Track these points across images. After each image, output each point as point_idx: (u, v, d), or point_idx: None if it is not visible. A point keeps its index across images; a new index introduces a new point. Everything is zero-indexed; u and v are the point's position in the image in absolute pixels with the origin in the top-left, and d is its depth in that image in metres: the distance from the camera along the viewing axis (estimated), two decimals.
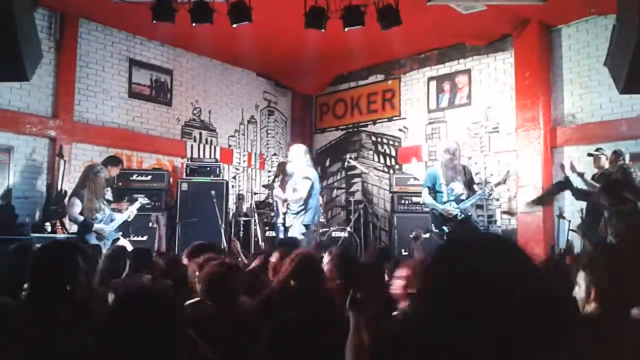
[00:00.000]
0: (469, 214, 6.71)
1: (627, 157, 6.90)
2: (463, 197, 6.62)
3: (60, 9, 8.40)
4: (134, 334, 1.83)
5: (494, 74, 9.40)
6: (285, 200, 6.86)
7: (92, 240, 6.36)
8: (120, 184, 8.37)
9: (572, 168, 6.89)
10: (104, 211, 6.61)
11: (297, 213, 6.90)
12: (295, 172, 7.03)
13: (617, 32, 5.17)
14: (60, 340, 2.14)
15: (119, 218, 6.74)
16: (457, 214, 6.56)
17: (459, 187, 6.64)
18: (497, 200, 8.89)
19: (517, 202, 8.62)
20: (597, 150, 7.06)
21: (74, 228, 7.28)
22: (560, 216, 7.79)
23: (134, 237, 7.77)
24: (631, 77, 4.95)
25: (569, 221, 7.56)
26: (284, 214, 6.80)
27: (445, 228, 6.66)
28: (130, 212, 6.89)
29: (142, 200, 7.16)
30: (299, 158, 7.10)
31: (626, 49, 4.90)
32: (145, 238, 8.27)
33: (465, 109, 9.71)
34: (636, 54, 4.71)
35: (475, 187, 6.88)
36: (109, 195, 6.99)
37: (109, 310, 2.11)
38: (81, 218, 6.39)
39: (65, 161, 8.00)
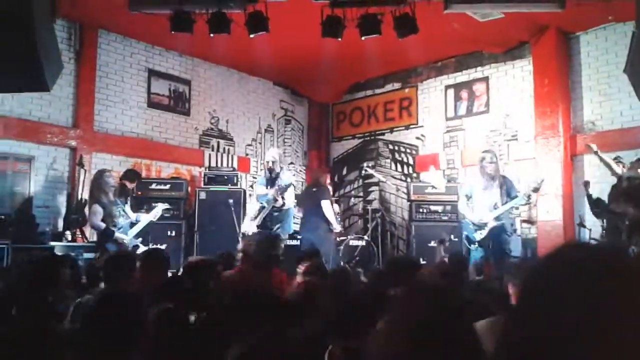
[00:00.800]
0: (502, 222, 6.82)
1: None
2: (498, 205, 6.76)
3: (79, 20, 8.52)
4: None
5: (512, 82, 9.34)
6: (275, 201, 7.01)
7: (113, 248, 6.43)
8: (139, 193, 8.43)
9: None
10: (125, 216, 6.71)
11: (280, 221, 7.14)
12: (281, 174, 7.22)
13: (637, 39, 5.12)
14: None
15: (143, 220, 6.84)
16: (486, 222, 6.77)
17: (495, 196, 6.78)
18: (517, 208, 8.77)
19: (537, 210, 8.52)
20: (615, 158, 7.01)
21: (94, 237, 7.37)
22: (581, 225, 7.68)
23: (152, 245, 7.80)
24: None
25: (590, 230, 7.46)
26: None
27: (475, 236, 6.88)
28: (153, 215, 6.98)
29: (162, 206, 7.23)
30: (280, 159, 7.33)
31: None
32: (164, 247, 8.31)
33: (483, 117, 9.65)
34: None
35: (514, 195, 6.91)
36: (127, 207, 7.05)
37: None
38: (103, 225, 6.49)
39: (85, 170, 8.08)
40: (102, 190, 6.59)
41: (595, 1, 6.69)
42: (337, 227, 8.13)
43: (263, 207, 7.07)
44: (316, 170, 10.00)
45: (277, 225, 7.09)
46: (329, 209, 7.98)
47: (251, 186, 10.59)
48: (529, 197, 6.88)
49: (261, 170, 10.88)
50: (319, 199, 8.01)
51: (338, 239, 8.76)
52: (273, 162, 7.18)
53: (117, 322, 2.11)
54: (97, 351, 2.07)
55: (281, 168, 7.34)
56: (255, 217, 7.08)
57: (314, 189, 8.29)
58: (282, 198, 7.06)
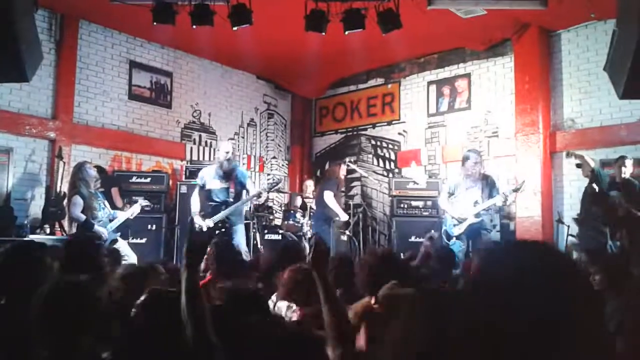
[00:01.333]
0: (481, 218, 6.97)
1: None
2: (478, 202, 6.91)
3: (60, 10, 8.41)
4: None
5: (493, 78, 9.41)
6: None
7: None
8: (119, 186, 8.37)
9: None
10: (104, 210, 6.64)
11: (240, 215, 7.04)
12: (235, 168, 7.07)
13: (617, 37, 5.18)
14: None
15: (120, 217, 6.77)
16: (466, 218, 6.91)
17: (476, 194, 6.93)
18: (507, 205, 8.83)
19: (516, 207, 8.61)
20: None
21: (72, 230, 7.29)
22: (560, 221, 7.79)
23: (132, 239, 7.75)
24: (631, 82, 4.96)
25: (568, 226, 7.55)
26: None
27: (453, 230, 7.02)
28: (130, 212, 6.90)
29: (142, 202, 7.15)
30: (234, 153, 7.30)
31: (626, 54, 4.90)
32: (144, 240, 8.27)
33: (465, 113, 9.72)
34: (636, 59, 4.71)
35: (495, 195, 7.01)
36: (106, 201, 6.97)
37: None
38: (83, 217, 6.39)
39: (64, 163, 7.98)
40: (84, 181, 6.50)
41: None
42: (342, 217, 8.15)
43: (223, 202, 6.82)
44: (332, 163, 10.05)
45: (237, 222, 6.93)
46: (330, 199, 8.04)
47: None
48: (505, 198, 6.97)
49: (243, 164, 10.88)
50: (322, 189, 8.26)
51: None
52: (229, 156, 6.95)
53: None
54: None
55: (236, 162, 7.31)
56: (209, 213, 6.82)
57: (321, 181, 8.43)
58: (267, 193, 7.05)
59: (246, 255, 6.51)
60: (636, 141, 7.77)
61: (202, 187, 7.02)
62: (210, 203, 6.90)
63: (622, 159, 6.94)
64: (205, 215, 6.80)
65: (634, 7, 4.90)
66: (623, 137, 7.88)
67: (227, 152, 6.91)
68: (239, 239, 6.76)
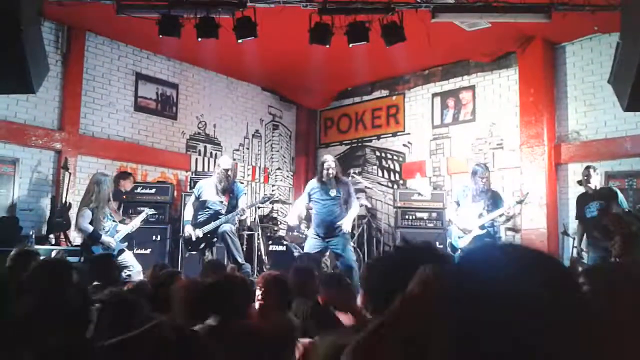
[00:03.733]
0: (486, 230, 7.02)
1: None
2: (483, 214, 7.00)
3: (67, 22, 8.49)
4: None
5: (498, 91, 9.42)
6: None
7: (99, 251, 6.40)
8: (124, 196, 8.41)
9: None
10: (111, 221, 6.69)
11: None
12: (233, 184, 7.27)
13: (621, 50, 5.20)
14: None
15: (124, 229, 6.80)
16: (471, 230, 6.98)
17: (481, 207, 7.02)
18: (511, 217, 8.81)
19: (522, 218, 8.59)
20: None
21: (77, 241, 7.32)
22: (565, 233, 7.75)
23: (137, 250, 7.78)
24: (635, 94, 4.97)
25: (573, 238, 7.51)
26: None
27: (459, 243, 7.10)
28: (135, 223, 6.95)
29: (148, 211, 7.20)
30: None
31: (630, 67, 4.91)
32: (149, 251, 8.29)
33: (470, 125, 9.72)
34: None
35: (501, 207, 7.09)
36: (111, 207, 7.02)
37: None
38: (91, 228, 6.45)
39: (70, 174, 8.03)
40: (97, 197, 6.54)
41: (581, 12, 6.76)
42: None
43: (215, 213, 7.00)
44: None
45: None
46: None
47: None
48: (509, 210, 7.07)
49: (248, 176, 10.91)
50: None
51: None
52: (230, 171, 7.18)
53: None
54: None
55: (235, 179, 7.50)
56: (201, 223, 7.00)
57: None
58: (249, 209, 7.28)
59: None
60: None
61: (198, 197, 7.20)
62: (202, 214, 7.08)
63: (587, 169, 6.96)
64: (196, 225, 7.01)
65: (637, 20, 4.92)
66: (628, 149, 7.86)
67: (227, 170, 7.11)
68: (233, 250, 6.91)
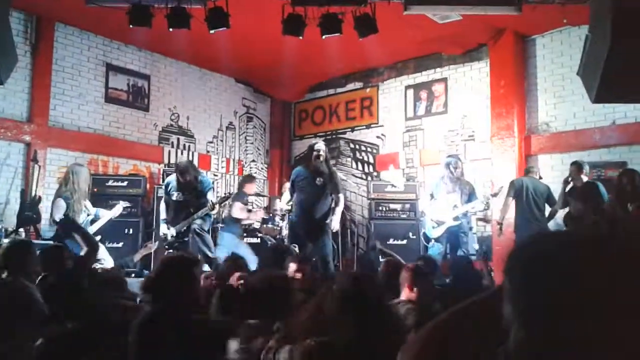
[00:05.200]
0: (460, 222, 7.22)
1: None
2: (457, 206, 7.16)
3: (36, 12, 8.33)
4: None
5: (469, 83, 9.52)
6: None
7: (72, 244, 6.30)
8: (95, 189, 8.30)
9: None
10: (86, 212, 6.62)
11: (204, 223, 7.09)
12: (197, 179, 7.15)
13: (590, 42, 5.28)
14: None
15: (99, 222, 6.75)
16: (444, 221, 7.16)
17: (456, 199, 7.15)
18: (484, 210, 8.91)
19: (492, 209, 8.70)
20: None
21: (48, 234, 7.21)
22: None
23: (109, 243, 7.70)
24: (603, 86, 5.05)
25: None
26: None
27: (432, 233, 7.27)
28: (112, 214, 6.90)
29: (123, 204, 7.15)
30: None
31: (598, 59, 5.00)
32: (120, 245, 8.21)
33: (442, 117, 9.80)
34: (608, 63, 4.81)
35: (474, 199, 7.28)
36: (88, 203, 6.94)
37: None
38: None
39: (40, 166, 7.90)
40: (74, 188, 6.47)
41: (550, 5, 6.85)
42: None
43: (185, 210, 6.96)
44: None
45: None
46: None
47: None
48: (487, 203, 7.19)
49: (222, 168, 10.86)
50: None
51: None
52: (187, 171, 7.04)
53: None
54: None
55: (199, 172, 7.40)
56: (173, 221, 6.97)
57: None
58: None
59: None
60: (609, 144, 7.91)
61: (167, 194, 7.16)
62: (173, 212, 7.04)
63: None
64: (168, 223, 6.99)
65: (606, 14, 5.01)
66: (596, 141, 8.01)
67: (186, 171, 6.97)
68: (202, 247, 6.87)
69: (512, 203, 7.42)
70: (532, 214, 7.31)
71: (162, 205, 7.11)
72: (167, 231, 6.90)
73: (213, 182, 10.45)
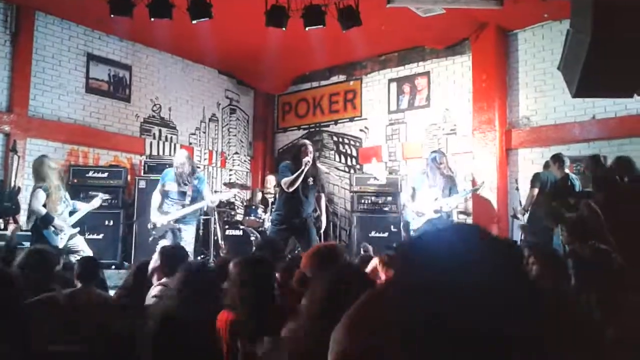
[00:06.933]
0: (440, 214, 7.25)
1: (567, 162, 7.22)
2: (438, 199, 7.21)
3: (16, 1, 8.22)
4: None
5: (452, 77, 9.56)
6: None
7: (50, 235, 6.27)
8: (75, 180, 8.24)
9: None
10: (66, 203, 6.57)
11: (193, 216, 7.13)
12: (194, 174, 7.15)
13: (571, 37, 5.33)
14: None
15: (80, 211, 6.70)
16: (424, 213, 7.21)
17: (437, 193, 7.21)
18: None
19: (472, 202, 8.78)
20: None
21: (28, 225, 7.13)
22: (514, 217, 7.97)
23: (89, 235, 7.64)
24: (583, 81, 5.10)
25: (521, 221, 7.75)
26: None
27: (413, 223, 7.39)
28: (91, 206, 6.83)
29: (102, 196, 7.08)
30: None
31: (579, 53, 5.04)
32: (101, 236, 8.15)
33: (424, 111, 9.84)
34: (588, 58, 4.85)
35: (454, 194, 7.38)
36: (67, 194, 6.87)
37: None
38: (44, 210, 6.31)
39: (19, 157, 7.78)
40: (50, 178, 6.42)
41: None
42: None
43: (179, 204, 6.96)
44: None
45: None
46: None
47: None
48: (465, 198, 7.32)
49: (205, 160, 10.82)
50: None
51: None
52: (186, 165, 7.05)
53: None
54: None
55: (196, 168, 7.35)
56: (165, 212, 6.96)
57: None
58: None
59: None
60: (589, 139, 7.99)
61: (163, 185, 7.09)
62: (167, 202, 6.97)
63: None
64: (161, 213, 6.92)
65: (587, 8, 5.05)
66: (576, 135, 8.10)
67: (182, 164, 6.98)
68: (188, 239, 6.89)
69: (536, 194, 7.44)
70: None
71: (157, 195, 7.04)
72: (157, 219, 6.83)
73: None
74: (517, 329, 0.87)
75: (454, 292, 0.88)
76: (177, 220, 6.87)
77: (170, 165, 7.35)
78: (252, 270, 2.85)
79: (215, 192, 9.22)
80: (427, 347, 0.89)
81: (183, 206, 6.91)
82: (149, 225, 6.90)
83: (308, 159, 6.39)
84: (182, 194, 6.96)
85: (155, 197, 7.03)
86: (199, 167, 8.36)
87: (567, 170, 7.11)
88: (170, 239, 6.79)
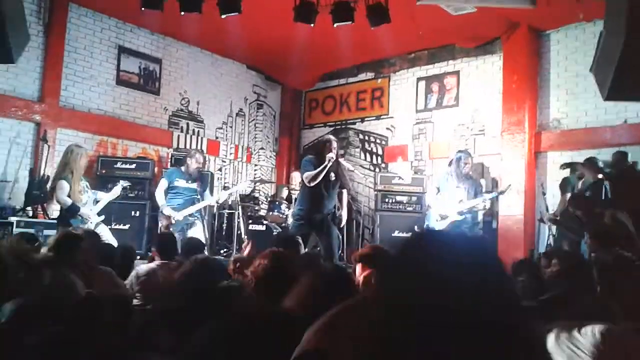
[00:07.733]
0: (464, 217, 7.14)
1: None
2: (463, 201, 7.08)
3: None
4: None
5: (482, 77, 9.43)
6: None
7: (77, 224, 6.37)
8: (103, 171, 8.36)
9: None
10: (88, 193, 6.67)
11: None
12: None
13: (604, 39, 5.22)
14: None
15: (102, 201, 6.80)
16: (448, 215, 7.08)
17: (462, 194, 7.08)
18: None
19: (499, 204, 8.66)
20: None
21: (55, 213, 7.26)
22: (541, 220, 7.84)
23: (115, 225, 7.74)
24: (616, 84, 4.99)
25: (549, 226, 7.61)
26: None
27: (435, 227, 7.13)
28: (113, 195, 6.93)
29: (123, 183, 7.16)
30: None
31: (612, 56, 4.93)
32: (127, 227, 8.25)
33: (453, 110, 9.74)
34: (621, 60, 4.75)
35: (479, 196, 7.24)
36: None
37: None
38: (69, 201, 6.44)
39: (49, 146, 7.95)
40: (73, 169, 6.55)
41: None
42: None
43: (191, 199, 7.31)
44: None
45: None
46: None
47: (219, 169, 10.58)
48: (491, 201, 7.24)
49: (230, 155, 10.88)
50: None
51: None
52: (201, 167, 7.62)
53: None
54: None
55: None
56: (179, 207, 7.28)
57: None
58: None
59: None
60: (620, 143, 7.80)
61: (170, 183, 7.40)
62: (178, 199, 7.30)
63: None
64: (174, 209, 7.20)
65: (621, 10, 4.94)
66: (607, 139, 7.93)
67: (199, 166, 7.50)
68: (199, 233, 7.16)
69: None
70: None
71: (161, 192, 7.36)
72: (173, 214, 7.12)
73: (221, 169, 10.58)
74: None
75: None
76: (190, 215, 7.26)
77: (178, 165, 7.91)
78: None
79: (226, 187, 9.72)
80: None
81: (193, 202, 7.26)
82: (172, 220, 7.13)
83: (332, 154, 6.24)
84: (192, 190, 7.35)
85: (160, 196, 7.33)
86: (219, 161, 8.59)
87: (600, 176, 6.96)
88: (183, 232, 7.02)
